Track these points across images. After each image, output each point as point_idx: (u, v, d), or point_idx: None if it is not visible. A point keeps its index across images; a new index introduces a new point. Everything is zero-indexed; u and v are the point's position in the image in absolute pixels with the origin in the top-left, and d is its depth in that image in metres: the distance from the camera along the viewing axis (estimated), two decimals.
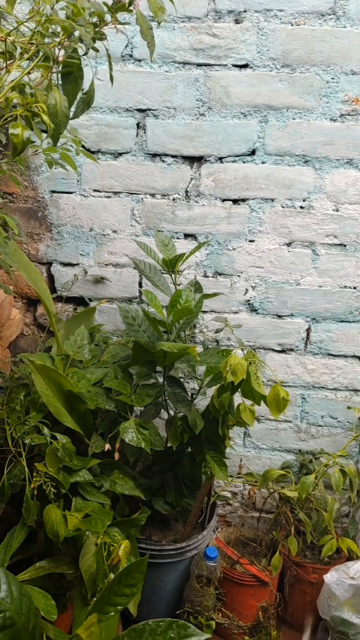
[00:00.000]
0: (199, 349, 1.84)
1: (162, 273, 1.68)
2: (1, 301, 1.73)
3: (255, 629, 1.71)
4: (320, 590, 1.76)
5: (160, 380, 1.60)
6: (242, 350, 1.51)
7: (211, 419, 1.54)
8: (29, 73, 1.06)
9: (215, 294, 1.62)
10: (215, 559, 1.71)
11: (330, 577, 1.67)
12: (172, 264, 1.57)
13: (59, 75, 1.13)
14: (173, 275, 1.59)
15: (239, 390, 1.44)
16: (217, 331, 1.66)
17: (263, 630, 1.67)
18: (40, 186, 1.79)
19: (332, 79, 1.60)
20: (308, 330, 1.84)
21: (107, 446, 1.50)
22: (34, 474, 1.28)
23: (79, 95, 1.16)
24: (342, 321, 1.81)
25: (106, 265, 1.85)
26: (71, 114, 1.16)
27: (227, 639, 1.79)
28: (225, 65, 1.62)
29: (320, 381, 1.89)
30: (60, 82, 1.13)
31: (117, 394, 1.48)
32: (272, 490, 1.82)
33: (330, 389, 1.89)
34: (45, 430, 1.30)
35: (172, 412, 1.64)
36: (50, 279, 1.90)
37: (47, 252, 1.86)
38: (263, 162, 1.69)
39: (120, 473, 1.53)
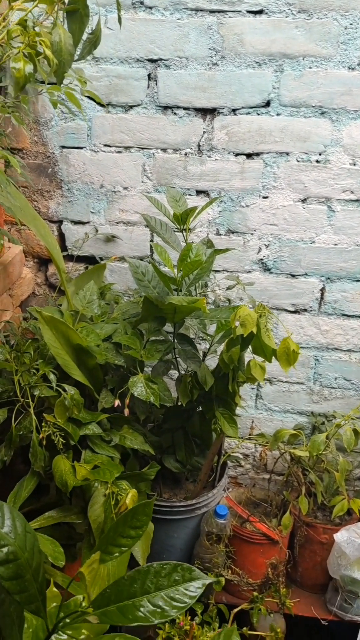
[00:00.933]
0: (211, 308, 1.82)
1: (174, 231, 1.65)
2: (11, 258, 1.72)
3: (265, 586, 1.71)
4: (331, 550, 1.76)
5: (171, 338, 1.58)
6: (252, 306, 1.48)
7: (221, 376, 1.52)
8: (32, 11, 1.02)
9: (226, 250, 1.59)
10: (225, 516, 1.71)
11: (340, 536, 1.66)
12: (182, 219, 1.54)
13: (65, 14, 1.10)
14: (184, 232, 1.56)
15: (250, 347, 1.42)
16: (229, 288, 1.63)
17: (272, 587, 1.67)
18: (50, 141, 1.76)
19: (351, 24, 1.53)
20: (322, 290, 1.80)
21: (117, 402, 1.49)
22: (43, 424, 1.28)
23: (85, 34, 1.12)
24: (357, 280, 1.77)
25: (117, 223, 1.83)
26: (77, 56, 1.13)
27: (236, 595, 1.80)
28: (239, 11, 1.56)
29: (334, 342, 1.85)
30: (65, 21, 1.10)
31: (126, 349, 1.47)
32: (283, 451, 1.81)
33: (344, 351, 1.86)
34: (51, 377, 1.29)
35: (182, 371, 1.63)
36: (61, 237, 1.88)
37: (58, 210, 1.84)
38: (278, 114, 1.64)
39: (129, 428, 1.53)
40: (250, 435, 1.97)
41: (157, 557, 1.80)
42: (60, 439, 1.28)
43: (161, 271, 1.42)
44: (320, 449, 1.59)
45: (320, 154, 1.66)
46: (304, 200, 1.71)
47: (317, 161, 1.67)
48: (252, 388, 1.96)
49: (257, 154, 1.69)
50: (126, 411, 1.50)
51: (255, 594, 1.64)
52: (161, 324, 1.50)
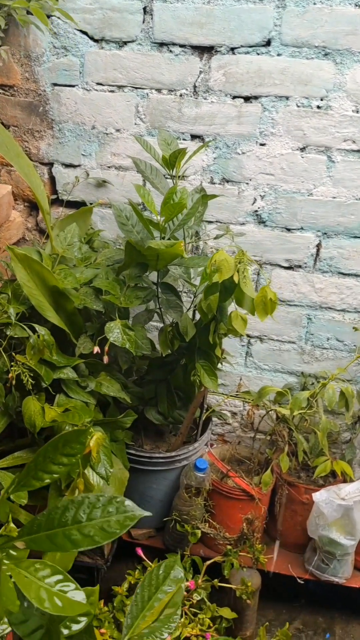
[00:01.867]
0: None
1: (166, 177, 1.59)
2: None
3: (240, 540, 1.71)
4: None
5: (155, 288, 1.54)
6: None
7: (203, 327, 1.48)
8: None
9: (215, 196, 1.52)
10: (205, 470, 1.70)
11: (319, 495, 1.64)
12: (171, 162, 1.47)
13: None
14: (174, 179, 1.49)
15: (234, 298, 1.37)
16: (217, 237, 1.57)
17: (247, 542, 1.66)
18: (41, 78, 1.69)
19: None
20: (318, 246, 1.73)
21: (96, 348, 1.46)
22: (12, 364, 1.26)
23: None
24: (355, 237, 1.70)
25: (109, 167, 1.77)
26: None
27: (213, 549, 1.80)
28: None
29: (327, 301, 1.79)
30: None
31: (106, 294, 1.43)
32: (268, 409, 1.78)
33: (338, 310, 1.80)
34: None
35: (167, 322, 1.59)
36: (52, 181, 1.83)
37: (49, 152, 1.78)
38: (279, 54, 1.54)
39: (107, 375, 1.50)
40: (237, 392, 1.93)
41: None
42: (30, 380, 1.25)
43: (141, 213, 1.36)
44: (302, 406, 1.55)
45: (321, 99, 1.57)
46: (302, 149, 1.63)
47: (318, 107, 1.57)
48: (242, 345, 1.92)
49: (256, 97, 1.60)
50: (105, 358, 1.47)
51: (229, 547, 1.64)
52: (143, 270, 1.46)
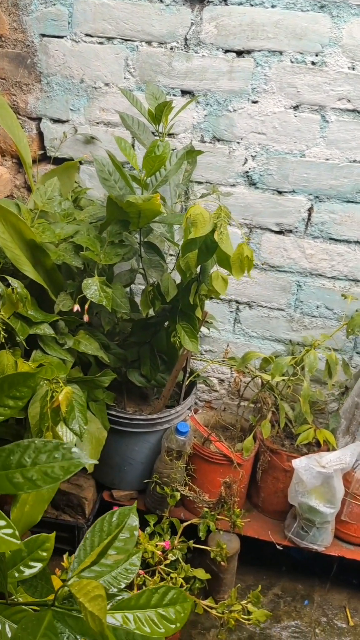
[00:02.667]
0: None
1: (154, 135, 1.55)
2: None
3: (219, 504, 1.71)
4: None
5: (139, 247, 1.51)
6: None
7: (185, 288, 1.45)
8: None
9: (199, 152, 1.48)
10: (186, 434, 1.69)
11: (299, 462, 1.63)
12: (157, 116, 1.43)
13: None
14: (161, 135, 1.45)
15: (216, 259, 1.34)
16: (203, 196, 1.53)
17: (225, 505, 1.66)
18: (29, 28, 1.64)
19: None
20: (310, 210, 1.69)
21: (76, 307, 1.45)
22: None
23: None
24: (348, 201, 1.65)
25: (97, 123, 1.72)
26: None
27: (194, 512, 1.81)
28: None
29: (318, 268, 1.75)
30: None
31: (86, 251, 1.41)
32: (253, 376, 1.76)
33: (328, 277, 1.76)
34: None
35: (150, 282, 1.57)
36: (40, 136, 1.79)
37: (37, 106, 1.74)
38: (273, 6, 1.48)
39: (86, 334, 1.49)
40: (224, 358, 1.91)
41: (119, 469, 1.82)
42: (2, 333, 1.24)
43: (120, 166, 1.33)
44: (283, 372, 1.53)
45: (316, 55, 1.50)
46: (295, 108, 1.57)
47: (313, 63, 1.51)
48: (231, 311, 1.89)
49: (248, 52, 1.54)
50: (85, 317, 1.45)
51: (206, 509, 1.64)
52: (124, 227, 1.43)
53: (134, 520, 0.92)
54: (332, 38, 1.47)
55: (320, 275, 1.76)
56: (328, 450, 1.76)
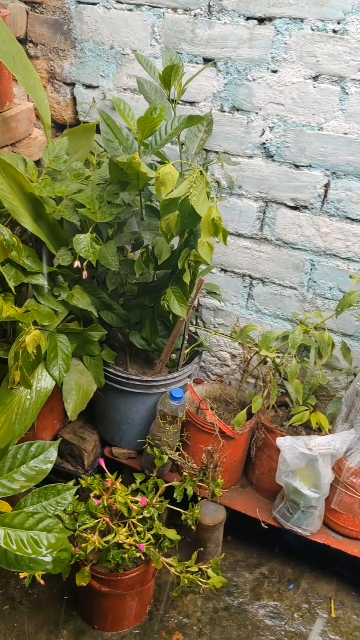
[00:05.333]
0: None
1: (173, 102, 1.57)
2: (15, 114, 1.74)
3: (201, 472, 1.73)
4: None
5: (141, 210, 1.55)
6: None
7: (178, 253, 1.47)
8: None
9: (201, 118, 1.48)
10: (180, 400, 1.72)
11: (283, 440, 1.61)
12: (166, 80, 1.45)
13: None
14: (173, 95, 1.46)
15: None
16: (205, 163, 1.53)
17: (206, 473, 1.68)
18: None
19: None
20: (326, 187, 1.63)
21: (77, 263, 1.51)
22: None
23: None
24: None
25: (124, 90, 1.77)
26: None
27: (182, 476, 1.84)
28: None
29: (332, 247, 1.70)
30: None
31: (83, 208, 1.47)
32: (254, 351, 1.75)
33: (342, 258, 1.70)
34: None
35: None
36: (74, 101, 1.87)
37: (71, 72, 1.82)
38: None
39: (82, 289, 1.56)
40: (231, 333, 1.91)
41: (118, 427, 1.89)
42: None
43: (116, 125, 1.37)
44: (269, 345, 1.51)
45: (338, 23, 1.45)
46: (315, 78, 1.52)
47: (334, 31, 1.46)
48: (245, 286, 1.88)
49: (270, 19, 1.51)
50: (84, 274, 1.52)
51: (185, 474, 1.66)
52: (122, 187, 1.47)
53: (51, 454, 0.98)
54: (355, 5, 1.41)
55: (335, 255, 1.71)
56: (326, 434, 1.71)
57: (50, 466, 0.98)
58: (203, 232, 1.21)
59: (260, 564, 1.95)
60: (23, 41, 1.85)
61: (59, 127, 1.95)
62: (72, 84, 1.84)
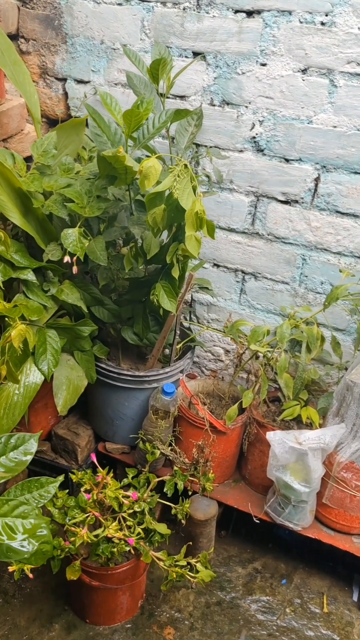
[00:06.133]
0: (202, 188, 1.74)
1: (162, 96, 1.57)
2: (7, 109, 1.75)
3: (192, 466, 1.73)
4: None
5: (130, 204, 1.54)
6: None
7: (166, 247, 1.47)
8: None
9: (188, 111, 1.47)
10: (171, 394, 1.72)
11: (273, 435, 1.60)
12: (154, 74, 1.45)
13: None
14: (161, 89, 1.46)
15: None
16: (194, 157, 1.53)
17: (196, 468, 1.68)
18: None
19: None
20: (316, 181, 1.63)
21: (67, 258, 1.51)
22: None
23: None
24: (355, 173, 1.57)
25: (115, 84, 1.77)
26: None
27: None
28: None
29: (323, 242, 1.69)
30: None
31: (71, 202, 1.47)
32: (245, 346, 1.75)
33: (333, 253, 1.70)
34: None
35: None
36: (66, 96, 1.87)
37: (62, 67, 1.82)
38: None
39: (71, 284, 1.56)
40: (224, 328, 1.91)
41: (111, 423, 1.89)
42: None
43: (103, 119, 1.37)
44: (258, 339, 1.51)
45: (326, 15, 1.44)
46: (304, 71, 1.52)
47: (322, 23, 1.45)
48: (237, 281, 1.88)
49: (258, 12, 1.50)
50: (74, 269, 1.52)
51: (176, 469, 1.67)
52: (110, 182, 1.47)
53: (31, 447, 0.98)
54: None
55: (326, 249, 1.70)
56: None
57: (29, 458, 0.98)
58: (187, 226, 1.21)
59: (254, 559, 1.95)
60: (15, 37, 1.85)
61: (51, 122, 1.95)
62: (64, 79, 1.84)
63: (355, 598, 1.83)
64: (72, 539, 1.45)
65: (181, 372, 1.83)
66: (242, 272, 1.85)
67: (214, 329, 1.92)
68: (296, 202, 1.68)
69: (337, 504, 1.71)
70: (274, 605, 1.80)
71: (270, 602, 1.81)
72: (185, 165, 1.21)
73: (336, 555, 1.82)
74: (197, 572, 1.49)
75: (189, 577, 1.48)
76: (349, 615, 1.78)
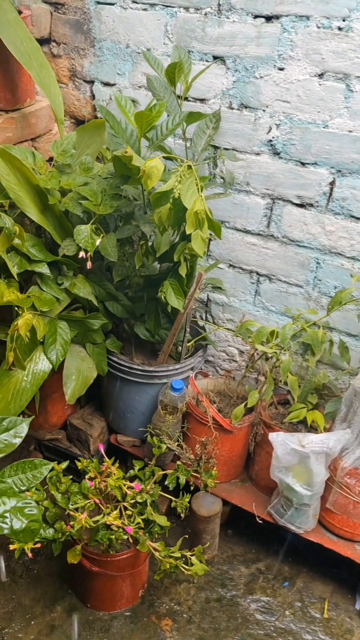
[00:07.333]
0: (217, 189, 1.77)
1: (179, 99, 1.61)
2: (35, 110, 1.83)
3: (195, 462, 1.76)
4: None
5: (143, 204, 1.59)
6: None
7: (174, 246, 1.51)
8: None
9: (201, 114, 1.50)
10: (179, 391, 1.75)
11: (275, 436, 1.61)
12: (170, 77, 1.49)
13: None
14: (178, 92, 1.50)
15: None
16: (207, 159, 1.56)
17: (199, 464, 1.71)
18: None
19: None
20: (332, 185, 1.63)
21: (82, 253, 1.57)
22: None
23: None
24: None
25: (139, 87, 1.82)
26: None
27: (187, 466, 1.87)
28: None
29: (337, 246, 1.69)
30: None
31: (86, 200, 1.53)
32: (253, 346, 1.76)
33: (347, 257, 1.69)
34: None
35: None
36: (93, 98, 1.94)
37: (90, 70, 1.89)
38: None
39: (84, 279, 1.62)
40: (237, 329, 1.93)
41: (122, 416, 1.95)
42: None
43: (117, 121, 1.42)
44: (262, 339, 1.52)
45: (343, 20, 1.44)
46: (320, 75, 1.53)
47: (339, 28, 1.46)
48: (252, 283, 1.90)
49: (276, 17, 1.52)
50: (88, 264, 1.58)
51: (179, 464, 1.70)
52: (123, 181, 1.52)
53: (22, 430, 1.03)
54: None
55: (339, 254, 1.70)
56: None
57: (19, 440, 1.04)
58: (187, 224, 1.24)
59: (258, 559, 1.96)
60: (47, 41, 1.93)
61: (79, 123, 2.02)
62: (92, 82, 1.91)
63: (358, 606, 1.81)
64: (72, 523, 1.50)
65: (191, 369, 1.86)
66: (257, 273, 1.87)
67: (226, 328, 1.94)
68: (311, 205, 1.68)
69: (341, 509, 1.70)
70: (274, 607, 1.80)
71: (270, 603, 1.81)
72: (189, 166, 1.25)
73: (341, 561, 1.81)
74: (192, 565, 1.52)
75: (182, 569, 1.51)
76: (349, 623, 1.76)
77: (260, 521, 1.79)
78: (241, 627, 1.74)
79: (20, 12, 1.65)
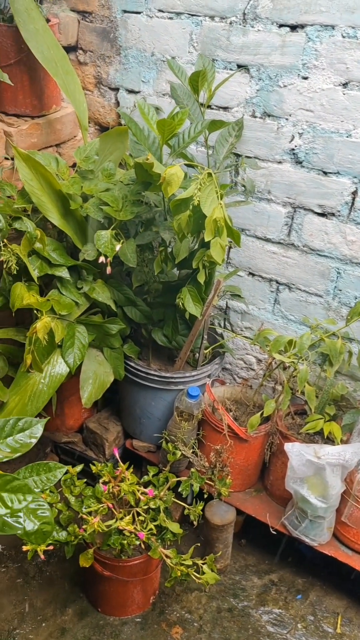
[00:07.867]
0: (238, 197, 1.77)
1: (202, 106, 1.61)
2: (60, 116, 1.85)
3: (210, 470, 1.75)
4: None
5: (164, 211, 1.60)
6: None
7: (193, 253, 1.51)
8: None
9: (223, 122, 1.51)
10: (196, 398, 1.75)
11: (290, 446, 1.60)
12: (193, 85, 1.50)
13: None
14: (202, 100, 1.50)
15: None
16: (229, 167, 1.56)
17: (213, 472, 1.70)
18: (114, 4, 1.81)
19: None
20: (354, 195, 1.62)
21: (102, 258, 1.58)
22: (3, 251, 1.44)
23: None
24: None
25: (163, 95, 1.84)
26: None
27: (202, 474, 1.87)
28: None
29: (358, 256, 1.67)
30: None
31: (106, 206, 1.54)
32: (270, 355, 1.75)
33: None
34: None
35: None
36: (117, 105, 1.96)
37: (115, 77, 1.91)
38: None
39: (103, 284, 1.63)
40: (256, 338, 1.92)
41: (139, 421, 1.95)
42: (14, 266, 1.43)
43: (139, 128, 1.43)
44: (278, 348, 1.51)
45: None
46: (344, 85, 1.52)
47: None
48: (272, 291, 1.89)
49: (301, 26, 1.52)
50: (108, 269, 1.59)
51: (192, 471, 1.69)
52: (144, 187, 1.53)
53: (37, 431, 1.04)
54: None
55: None
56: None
57: (34, 441, 1.04)
58: (206, 232, 1.24)
59: (271, 570, 1.94)
60: (74, 48, 1.96)
61: (104, 129, 2.04)
62: (117, 89, 1.93)
63: None
64: (85, 526, 1.51)
65: (208, 376, 1.85)
66: (277, 282, 1.86)
67: (244, 336, 1.94)
68: (332, 215, 1.67)
69: (357, 523, 1.68)
70: (286, 619, 1.78)
71: (282, 616, 1.79)
72: (209, 174, 1.25)
73: (356, 576, 1.78)
74: (204, 573, 1.51)
75: (193, 577, 1.50)
76: None
77: (274, 532, 1.77)
78: (252, 638, 1.72)
79: (48, 21, 1.68)
